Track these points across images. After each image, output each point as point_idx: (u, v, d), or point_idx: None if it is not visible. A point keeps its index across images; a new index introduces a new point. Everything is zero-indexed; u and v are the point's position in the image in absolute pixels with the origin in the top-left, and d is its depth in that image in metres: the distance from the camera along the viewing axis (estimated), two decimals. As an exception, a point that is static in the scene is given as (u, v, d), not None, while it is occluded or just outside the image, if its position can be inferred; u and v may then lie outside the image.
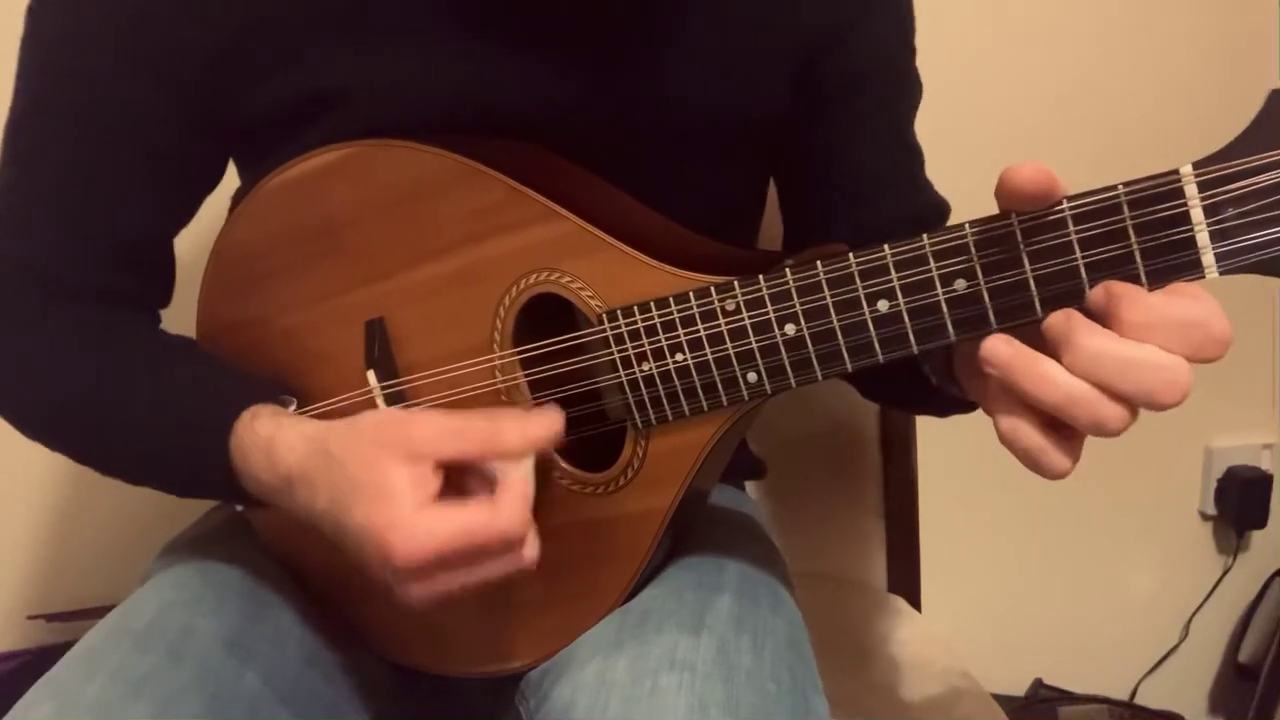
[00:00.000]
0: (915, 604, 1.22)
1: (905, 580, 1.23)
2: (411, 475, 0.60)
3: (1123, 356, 0.51)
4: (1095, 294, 0.53)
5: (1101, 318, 0.53)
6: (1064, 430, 0.54)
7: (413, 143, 0.70)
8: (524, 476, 0.62)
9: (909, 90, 0.85)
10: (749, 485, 1.05)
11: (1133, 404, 0.51)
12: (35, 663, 1.12)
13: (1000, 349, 0.54)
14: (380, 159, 0.71)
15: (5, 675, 1.15)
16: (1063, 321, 0.53)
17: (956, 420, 0.84)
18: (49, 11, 0.74)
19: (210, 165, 0.80)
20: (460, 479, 0.63)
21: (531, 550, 0.63)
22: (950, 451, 1.37)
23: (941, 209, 0.85)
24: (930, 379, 0.68)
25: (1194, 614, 1.63)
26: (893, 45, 0.83)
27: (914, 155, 0.85)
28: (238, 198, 0.82)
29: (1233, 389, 1.54)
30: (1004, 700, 1.45)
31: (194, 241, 0.82)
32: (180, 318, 0.81)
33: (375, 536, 0.60)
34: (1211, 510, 1.60)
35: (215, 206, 0.82)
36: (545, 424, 0.64)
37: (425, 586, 0.62)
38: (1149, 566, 1.62)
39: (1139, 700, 1.62)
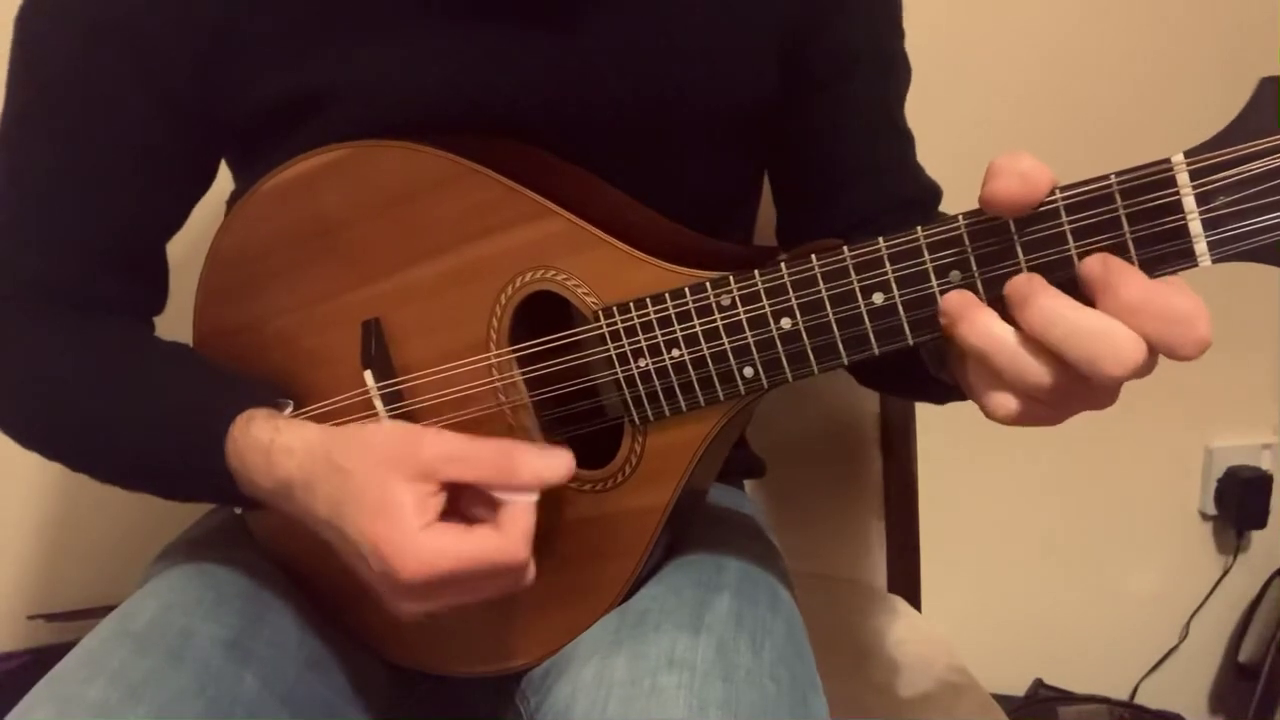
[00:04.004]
0: (915, 604, 1.22)
1: (905, 580, 1.22)
2: (416, 494, 0.60)
3: (1075, 321, 0.52)
4: (1093, 264, 0.53)
5: (1094, 288, 0.53)
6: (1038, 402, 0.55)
7: (407, 143, 0.70)
8: (529, 507, 0.62)
9: (898, 73, 0.85)
10: (748, 484, 1.05)
11: (1079, 371, 0.52)
12: (35, 663, 1.13)
13: (952, 298, 0.56)
14: (374, 160, 0.71)
15: (5, 675, 1.15)
16: (1025, 283, 0.54)
17: (956, 421, 0.84)
18: (37, 18, 0.74)
19: (201, 167, 0.80)
20: (460, 498, 0.63)
21: (531, 572, 0.64)
22: (950, 452, 1.37)
23: (934, 192, 0.85)
24: (926, 366, 0.68)
25: (1194, 614, 1.63)
26: (881, 27, 0.83)
27: (905, 138, 0.85)
28: (233, 201, 0.82)
29: (1233, 389, 1.54)
30: (1004, 700, 1.45)
31: (189, 245, 0.83)
32: (176, 322, 0.82)
33: (377, 552, 0.60)
34: (1211, 510, 1.60)
35: (211, 210, 0.82)
36: (558, 466, 0.64)
37: (419, 603, 0.62)
38: (1149, 566, 1.62)
39: (1139, 700, 1.62)
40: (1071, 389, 0.53)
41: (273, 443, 0.67)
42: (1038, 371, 0.53)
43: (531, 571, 0.64)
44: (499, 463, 0.62)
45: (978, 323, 0.55)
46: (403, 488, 0.61)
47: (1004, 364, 0.54)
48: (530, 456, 0.63)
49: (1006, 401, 0.56)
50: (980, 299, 0.56)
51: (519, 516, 0.62)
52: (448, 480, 0.62)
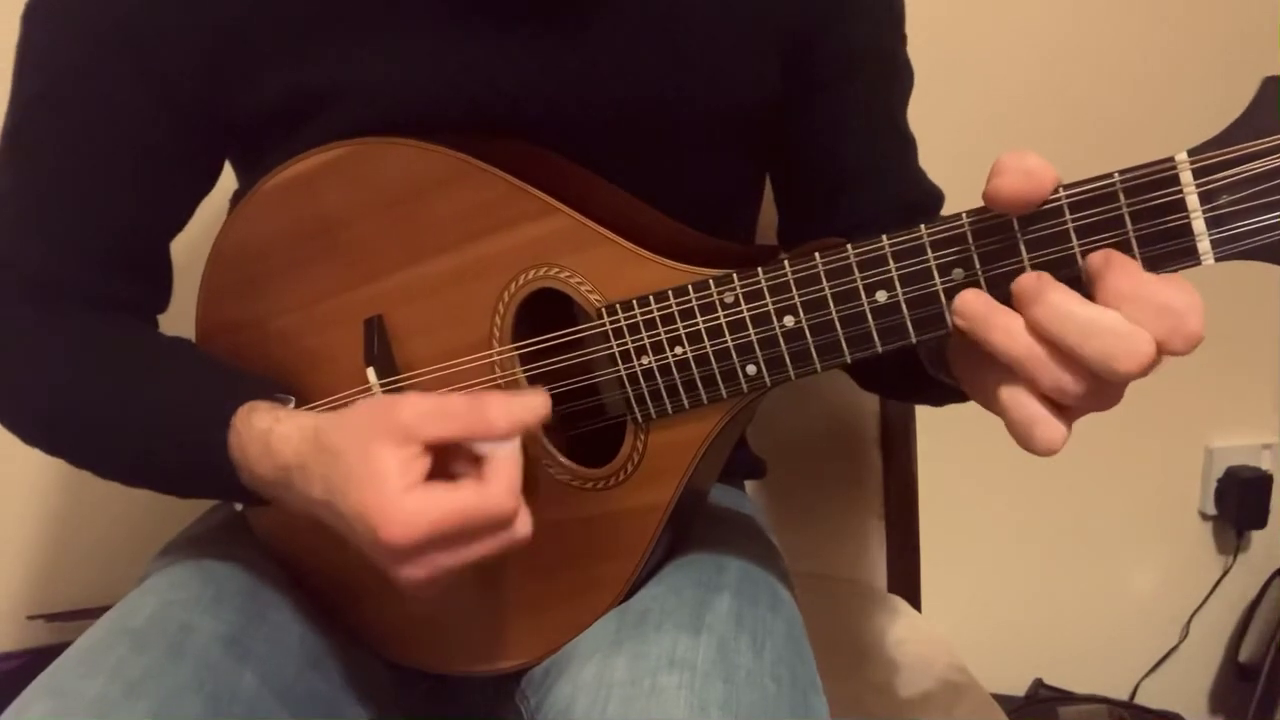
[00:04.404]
0: (915, 604, 1.22)
1: (905, 580, 1.22)
2: (399, 457, 0.60)
3: (1087, 318, 0.51)
4: (1095, 258, 0.53)
5: (1090, 280, 0.53)
6: (1056, 406, 0.54)
7: (410, 140, 0.70)
8: (511, 455, 0.62)
9: (900, 77, 0.85)
10: (749, 485, 1.05)
11: (1091, 369, 0.52)
12: (35, 663, 1.12)
13: (971, 300, 0.55)
14: (377, 157, 0.71)
15: (5, 675, 1.15)
16: (1034, 280, 0.53)
17: (956, 421, 0.84)
18: (42, 16, 0.74)
19: (205, 166, 0.80)
20: (448, 459, 0.63)
21: (524, 526, 0.62)
22: (950, 452, 1.37)
23: (935, 196, 0.85)
24: (925, 368, 0.68)
25: (1194, 614, 1.63)
26: (883, 30, 0.83)
27: (907, 142, 0.85)
28: (237, 199, 0.82)
29: (1233, 389, 1.55)
30: (1004, 700, 1.45)
31: (193, 243, 0.83)
32: (179, 320, 0.82)
33: (367, 520, 0.60)
34: (1211, 510, 1.61)
35: (215, 208, 0.82)
36: (531, 405, 0.63)
37: (418, 567, 0.61)
38: (1149, 566, 1.62)
39: (1139, 700, 1.62)
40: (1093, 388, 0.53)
41: (271, 431, 0.67)
42: (1058, 374, 0.53)
43: (524, 524, 0.62)
44: (473, 413, 0.62)
45: (1012, 328, 0.54)
46: (385, 452, 0.60)
47: (1035, 370, 0.53)
48: (503, 401, 0.62)
49: (1025, 399, 0.55)
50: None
51: (502, 466, 0.61)
52: (428, 439, 0.61)
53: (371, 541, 0.60)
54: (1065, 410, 0.54)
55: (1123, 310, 0.51)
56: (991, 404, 0.57)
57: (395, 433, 0.61)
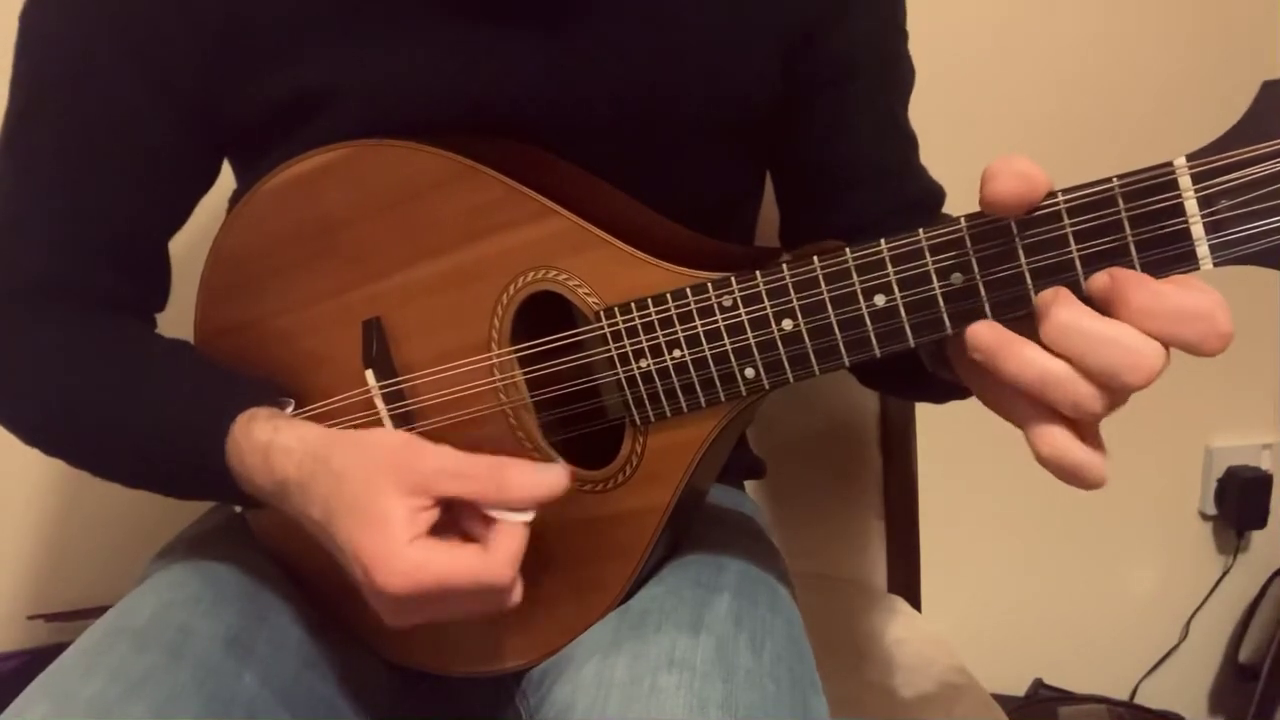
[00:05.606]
0: (915, 604, 1.22)
1: (905, 580, 1.23)
2: (409, 507, 0.60)
3: (1091, 332, 0.51)
4: (1099, 279, 0.53)
5: (1104, 302, 0.53)
6: (1090, 438, 0.54)
7: (409, 142, 0.70)
8: (521, 527, 0.62)
9: (902, 75, 0.85)
10: (749, 485, 1.05)
11: (1100, 382, 0.52)
12: (35, 663, 1.12)
13: (982, 332, 0.54)
14: (376, 159, 0.71)
15: (5, 675, 1.15)
16: (1049, 296, 0.53)
17: (956, 420, 0.84)
18: (41, 15, 0.74)
19: (203, 166, 0.81)
20: (456, 513, 0.63)
21: (516, 596, 0.63)
22: (950, 451, 1.37)
23: (937, 194, 0.85)
24: (924, 365, 0.68)
25: (1194, 614, 1.63)
26: (885, 29, 0.83)
27: (908, 140, 0.85)
28: (235, 199, 0.82)
29: (1233, 389, 1.54)
30: (1004, 700, 1.45)
31: (193, 243, 0.83)
32: (177, 321, 0.82)
33: (363, 561, 0.60)
34: (1211, 510, 1.61)
35: (213, 209, 0.82)
36: (551, 482, 0.63)
37: (399, 616, 0.63)
38: (1149, 566, 1.62)
39: (1139, 700, 1.62)
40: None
41: (271, 443, 0.67)
42: (1072, 392, 0.52)
43: (516, 595, 0.63)
44: (493, 478, 0.62)
45: (1024, 356, 0.53)
46: (396, 500, 0.61)
47: (1052, 395, 0.53)
48: (524, 473, 0.63)
49: (1059, 434, 0.54)
50: (986, 313, 0.56)
51: (508, 538, 0.62)
52: (442, 495, 0.62)
53: (364, 581, 0.61)
54: (1083, 426, 0.54)
55: (1150, 326, 0.51)
56: (997, 406, 0.57)
57: (411, 481, 0.61)
